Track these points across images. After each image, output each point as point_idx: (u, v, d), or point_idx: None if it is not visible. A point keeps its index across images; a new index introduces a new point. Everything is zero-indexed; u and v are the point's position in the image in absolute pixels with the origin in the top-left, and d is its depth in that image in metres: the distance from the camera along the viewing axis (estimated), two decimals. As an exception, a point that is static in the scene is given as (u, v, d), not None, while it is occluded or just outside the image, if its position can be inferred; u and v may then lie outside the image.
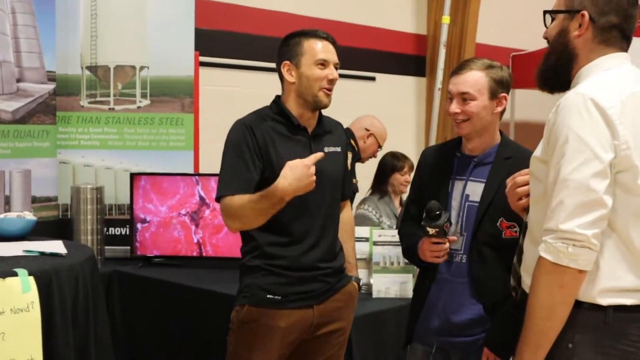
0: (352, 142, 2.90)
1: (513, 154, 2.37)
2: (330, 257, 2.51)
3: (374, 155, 4.26)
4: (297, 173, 2.25)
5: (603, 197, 1.67)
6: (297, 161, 2.27)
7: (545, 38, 1.94)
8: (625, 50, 1.86)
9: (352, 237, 2.76)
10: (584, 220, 1.67)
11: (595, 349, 1.74)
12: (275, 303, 2.41)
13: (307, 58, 2.44)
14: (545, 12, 1.93)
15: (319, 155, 2.32)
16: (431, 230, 2.30)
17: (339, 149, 2.58)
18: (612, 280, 1.73)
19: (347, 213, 2.74)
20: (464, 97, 2.34)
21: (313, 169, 2.27)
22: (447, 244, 2.33)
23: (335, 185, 2.53)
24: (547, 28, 1.93)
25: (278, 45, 2.52)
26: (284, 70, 2.47)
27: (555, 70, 1.89)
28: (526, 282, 1.89)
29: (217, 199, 2.42)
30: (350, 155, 2.67)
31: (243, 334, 2.44)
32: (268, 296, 2.41)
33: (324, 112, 2.55)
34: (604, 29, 1.83)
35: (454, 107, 2.35)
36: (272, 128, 2.44)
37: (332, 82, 2.45)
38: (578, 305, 1.75)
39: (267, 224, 2.36)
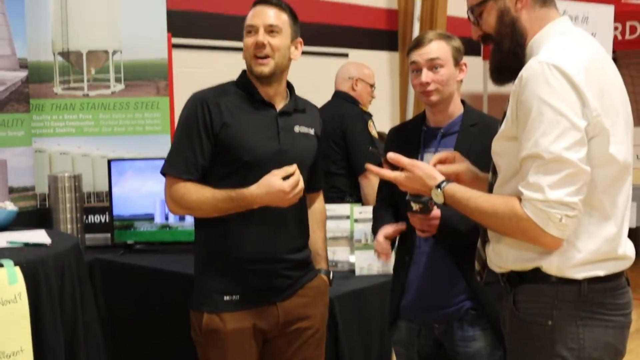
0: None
1: (478, 120, 2.41)
2: (292, 248, 2.35)
3: (372, 97, 4.17)
4: (274, 197, 2.17)
5: (583, 167, 1.66)
6: (276, 186, 2.15)
7: (481, 35, 1.91)
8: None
9: (323, 227, 2.59)
10: (570, 189, 1.65)
11: (575, 321, 1.75)
12: (236, 304, 2.26)
13: (244, 28, 2.31)
14: (471, 7, 1.90)
15: (291, 169, 2.20)
16: (415, 206, 2.28)
17: (311, 131, 2.41)
18: (585, 253, 1.74)
19: (320, 204, 2.58)
20: (435, 65, 2.35)
21: (292, 191, 2.16)
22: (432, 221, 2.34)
23: (301, 167, 2.28)
24: (477, 25, 1.91)
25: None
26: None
27: (514, 53, 1.85)
28: (494, 262, 1.89)
29: (162, 173, 2.28)
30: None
31: (213, 346, 2.27)
32: (225, 298, 2.26)
33: (298, 91, 2.45)
34: None
35: (425, 77, 2.35)
36: (233, 103, 2.28)
37: (259, 47, 2.24)
38: (551, 281, 1.76)
39: None
